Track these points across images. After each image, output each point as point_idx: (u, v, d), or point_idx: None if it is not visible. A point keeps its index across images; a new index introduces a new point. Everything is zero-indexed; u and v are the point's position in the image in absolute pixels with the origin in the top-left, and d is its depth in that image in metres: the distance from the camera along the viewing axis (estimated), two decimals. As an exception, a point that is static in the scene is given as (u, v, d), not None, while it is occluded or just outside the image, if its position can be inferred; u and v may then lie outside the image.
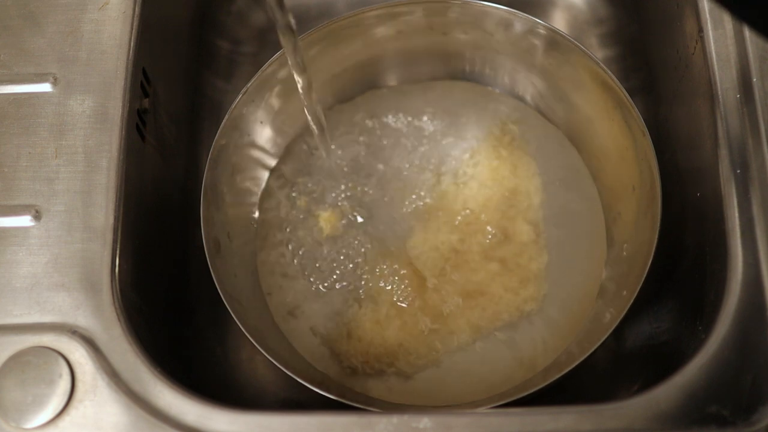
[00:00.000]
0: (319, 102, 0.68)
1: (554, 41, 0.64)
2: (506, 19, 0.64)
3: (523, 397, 0.54)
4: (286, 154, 0.70)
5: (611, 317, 0.58)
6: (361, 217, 0.68)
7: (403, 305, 0.64)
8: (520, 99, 0.71)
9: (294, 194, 0.69)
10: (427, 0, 0.65)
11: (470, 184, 0.68)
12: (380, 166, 0.70)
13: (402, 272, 0.65)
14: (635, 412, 0.48)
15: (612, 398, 0.58)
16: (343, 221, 0.68)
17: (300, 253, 0.67)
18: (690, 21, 0.60)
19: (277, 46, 0.65)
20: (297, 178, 0.69)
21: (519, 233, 0.66)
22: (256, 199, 0.69)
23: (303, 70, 0.58)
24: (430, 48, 0.70)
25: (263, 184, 0.69)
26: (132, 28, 0.60)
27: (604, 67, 0.61)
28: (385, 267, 0.66)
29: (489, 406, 0.54)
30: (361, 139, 0.71)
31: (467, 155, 0.69)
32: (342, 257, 0.67)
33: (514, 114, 0.71)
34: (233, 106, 0.62)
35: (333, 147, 0.70)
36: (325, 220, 0.68)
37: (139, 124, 0.60)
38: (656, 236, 0.56)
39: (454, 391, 0.62)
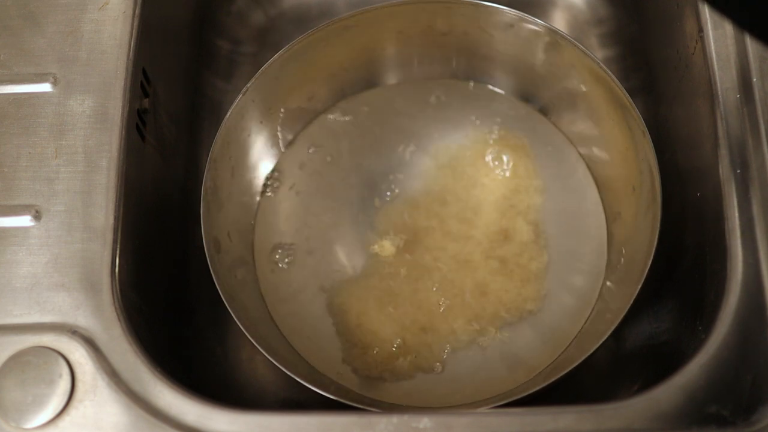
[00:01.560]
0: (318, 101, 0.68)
1: (554, 41, 0.64)
2: (506, 19, 0.64)
3: (523, 397, 0.54)
4: (286, 154, 0.70)
5: (611, 317, 0.58)
6: (360, 214, 0.68)
7: (403, 305, 0.64)
8: (520, 99, 0.71)
9: (294, 193, 0.69)
10: (427, 0, 0.65)
11: (470, 183, 0.68)
12: (380, 165, 0.70)
13: (402, 272, 0.65)
14: (635, 412, 0.48)
15: (612, 398, 0.58)
16: (342, 220, 0.68)
17: (300, 252, 0.67)
18: (690, 21, 0.60)
19: (277, 46, 0.65)
20: (297, 178, 0.69)
21: (519, 233, 0.66)
22: (256, 198, 0.69)
23: None
24: (430, 48, 0.70)
25: (263, 184, 0.69)
26: (132, 28, 0.60)
27: (604, 67, 0.61)
28: (384, 267, 0.66)
29: (489, 406, 0.54)
30: (359, 137, 0.71)
31: (467, 155, 0.69)
32: (341, 257, 0.67)
33: (514, 114, 0.71)
34: (233, 105, 0.62)
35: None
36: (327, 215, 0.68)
37: (139, 124, 0.60)
38: (656, 236, 0.56)
39: (454, 391, 0.62)
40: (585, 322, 0.63)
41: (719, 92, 0.56)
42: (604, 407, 0.49)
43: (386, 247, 0.66)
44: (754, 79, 0.55)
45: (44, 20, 0.60)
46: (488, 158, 0.69)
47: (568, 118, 0.69)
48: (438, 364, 0.63)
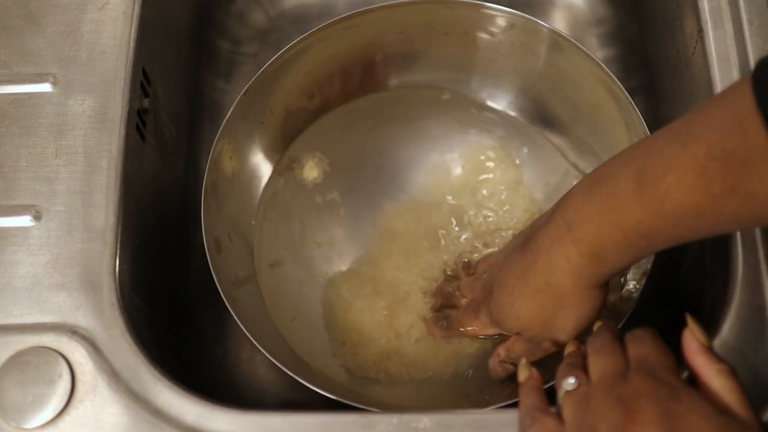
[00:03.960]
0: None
1: (554, 41, 0.64)
2: (506, 19, 0.64)
3: (524, 397, 0.54)
4: (286, 154, 0.70)
5: (611, 318, 0.57)
6: (360, 214, 0.68)
7: (401, 308, 0.64)
8: (520, 99, 0.71)
9: (295, 194, 0.69)
10: (427, 0, 0.65)
11: (469, 186, 0.68)
12: (379, 166, 0.70)
13: (399, 275, 0.65)
14: (635, 412, 0.48)
15: (612, 398, 0.58)
16: (343, 221, 0.68)
17: (301, 252, 0.67)
18: (690, 21, 0.60)
19: (278, 46, 0.65)
20: (298, 178, 0.69)
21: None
22: (256, 199, 0.68)
23: None
24: (430, 48, 0.70)
25: (264, 185, 0.69)
26: (132, 28, 0.60)
27: (605, 67, 0.61)
28: (385, 269, 0.66)
29: (489, 407, 0.54)
30: (359, 138, 0.71)
31: (466, 156, 0.69)
32: (341, 257, 0.67)
33: (514, 114, 0.71)
34: (233, 105, 0.62)
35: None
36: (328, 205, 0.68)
37: (139, 124, 0.60)
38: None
39: (453, 391, 0.62)
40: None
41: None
42: (604, 407, 0.48)
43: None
44: (754, 79, 0.55)
45: (44, 20, 0.60)
46: (487, 159, 0.69)
47: (568, 118, 0.69)
48: (432, 368, 0.63)
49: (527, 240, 0.50)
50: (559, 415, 0.43)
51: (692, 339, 0.43)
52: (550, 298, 0.47)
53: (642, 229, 0.42)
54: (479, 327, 0.57)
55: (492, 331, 0.57)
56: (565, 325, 0.49)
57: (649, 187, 0.40)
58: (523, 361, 0.49)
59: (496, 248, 0.65)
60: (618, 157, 0.44)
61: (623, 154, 0.44)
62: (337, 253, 0.67)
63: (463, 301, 0.61)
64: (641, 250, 0.43)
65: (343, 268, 0.67)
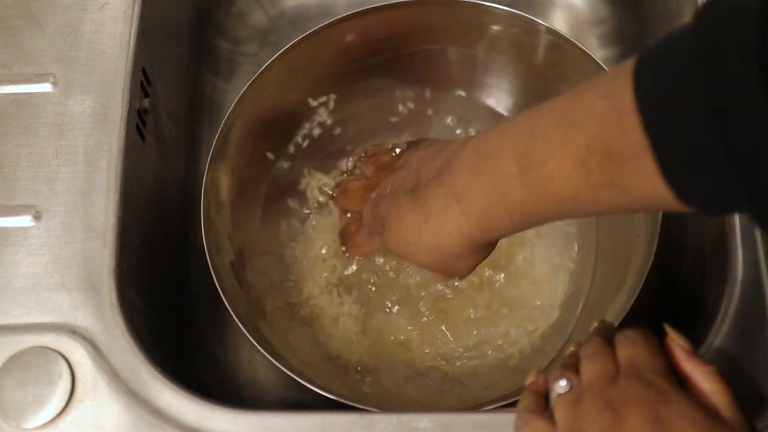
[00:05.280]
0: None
1: (554, 41, 0.64)
2: (506, 19, 0.64)
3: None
4: (287, 154, 0.70)
5: (611, 318, 0.57)
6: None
7: (400, 309, 0.64)
8: (519, 99, 0.71)
9: (294, 193, 0.69)
10: (427, 1, 0.65)
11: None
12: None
13: (391, 277, 0.65)
14: (635, 412, 0.48)
15: (612, 398, 0.58)
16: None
17: (301, 252, 0.67)
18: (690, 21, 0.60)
19: (277, 46, 0.65)
20: (298, 179, 0.69)
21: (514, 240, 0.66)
22: (256, 198, 0.68)
23: None
24: (430, 48, 0.70)
25: (264, 184, 0.69)
26: (132, 28, 0.60)
27: (605, 67, 0.61)
28: (382, 276, 0.66)
29: (489, 407, 0.54)
30: (359, 137, 0.71)
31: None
32: (340, 258, 0.67)
33: (513, 115, 0.71)
34: (233, 105, 0.62)
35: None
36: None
37: (139, 124, 0.60)
38: (656, 237, 0.56)
39: (454, 393, 0.62)
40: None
41: (719, 92, 0.55)
42: (604, 407, 0.48)
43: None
44: (754, 79, 0.55)
45: (44, 20, 0.60)
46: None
47: (568, 118, 0.69)
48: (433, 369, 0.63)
49: (415, 189, 0.51)
50: (552, 417, 0.43)
51: (676, 345, 0.43)
52: (445, 255, 0.50)
53: (525, 210, 0.43)
54: (377, 249, 0.60)
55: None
56: (462, 270, 0.52)
57: (532, 172, 0.42)
58: (536, 367, 0.49)
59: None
60: (502, 130, 0.45)
61: (507, 129, 0.45)
62: (338, 253, 0.67)
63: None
64: (526, 225, 0.46)
65: (346, 268, 0.67)
